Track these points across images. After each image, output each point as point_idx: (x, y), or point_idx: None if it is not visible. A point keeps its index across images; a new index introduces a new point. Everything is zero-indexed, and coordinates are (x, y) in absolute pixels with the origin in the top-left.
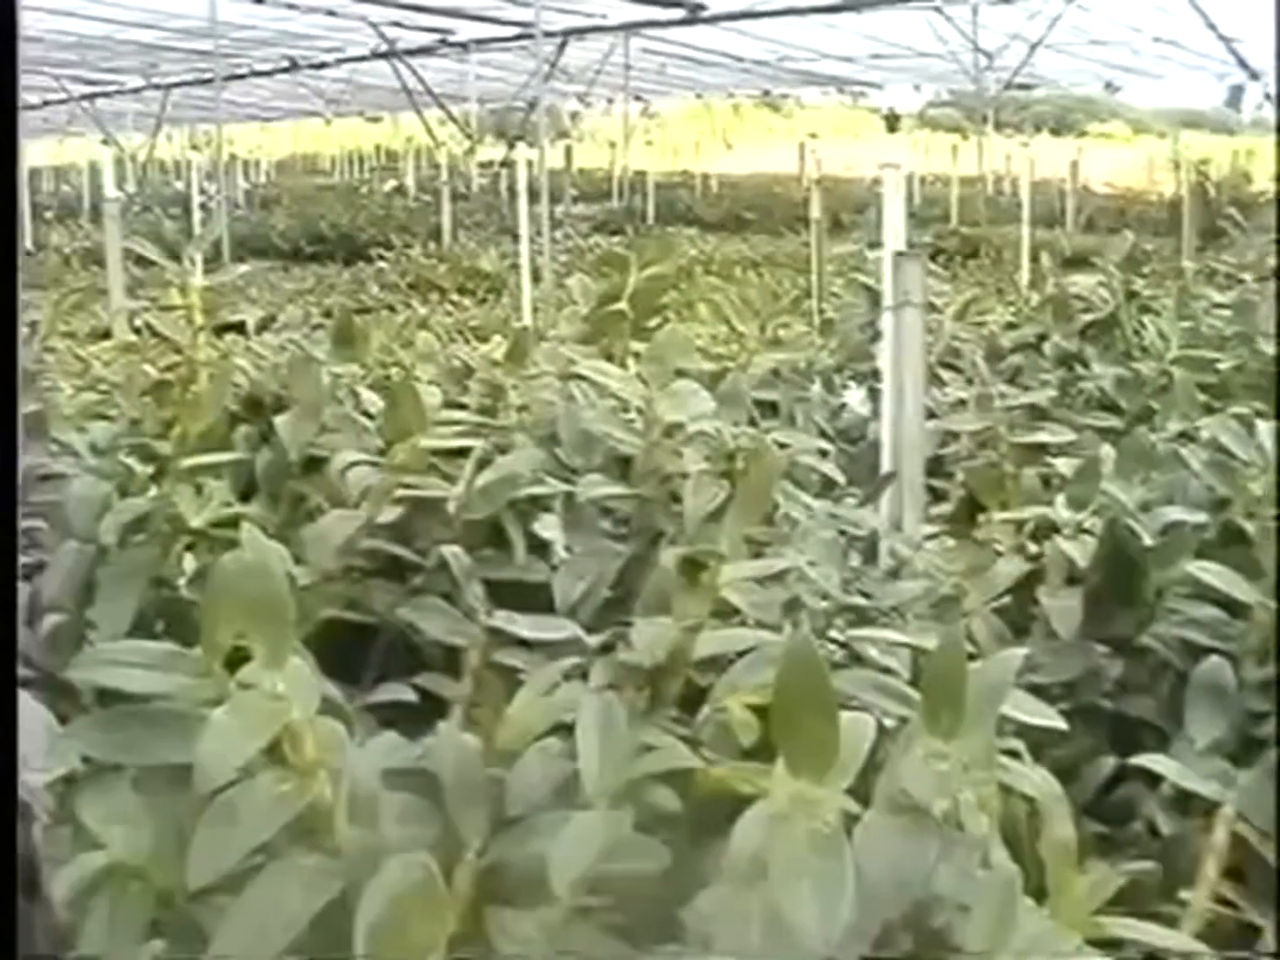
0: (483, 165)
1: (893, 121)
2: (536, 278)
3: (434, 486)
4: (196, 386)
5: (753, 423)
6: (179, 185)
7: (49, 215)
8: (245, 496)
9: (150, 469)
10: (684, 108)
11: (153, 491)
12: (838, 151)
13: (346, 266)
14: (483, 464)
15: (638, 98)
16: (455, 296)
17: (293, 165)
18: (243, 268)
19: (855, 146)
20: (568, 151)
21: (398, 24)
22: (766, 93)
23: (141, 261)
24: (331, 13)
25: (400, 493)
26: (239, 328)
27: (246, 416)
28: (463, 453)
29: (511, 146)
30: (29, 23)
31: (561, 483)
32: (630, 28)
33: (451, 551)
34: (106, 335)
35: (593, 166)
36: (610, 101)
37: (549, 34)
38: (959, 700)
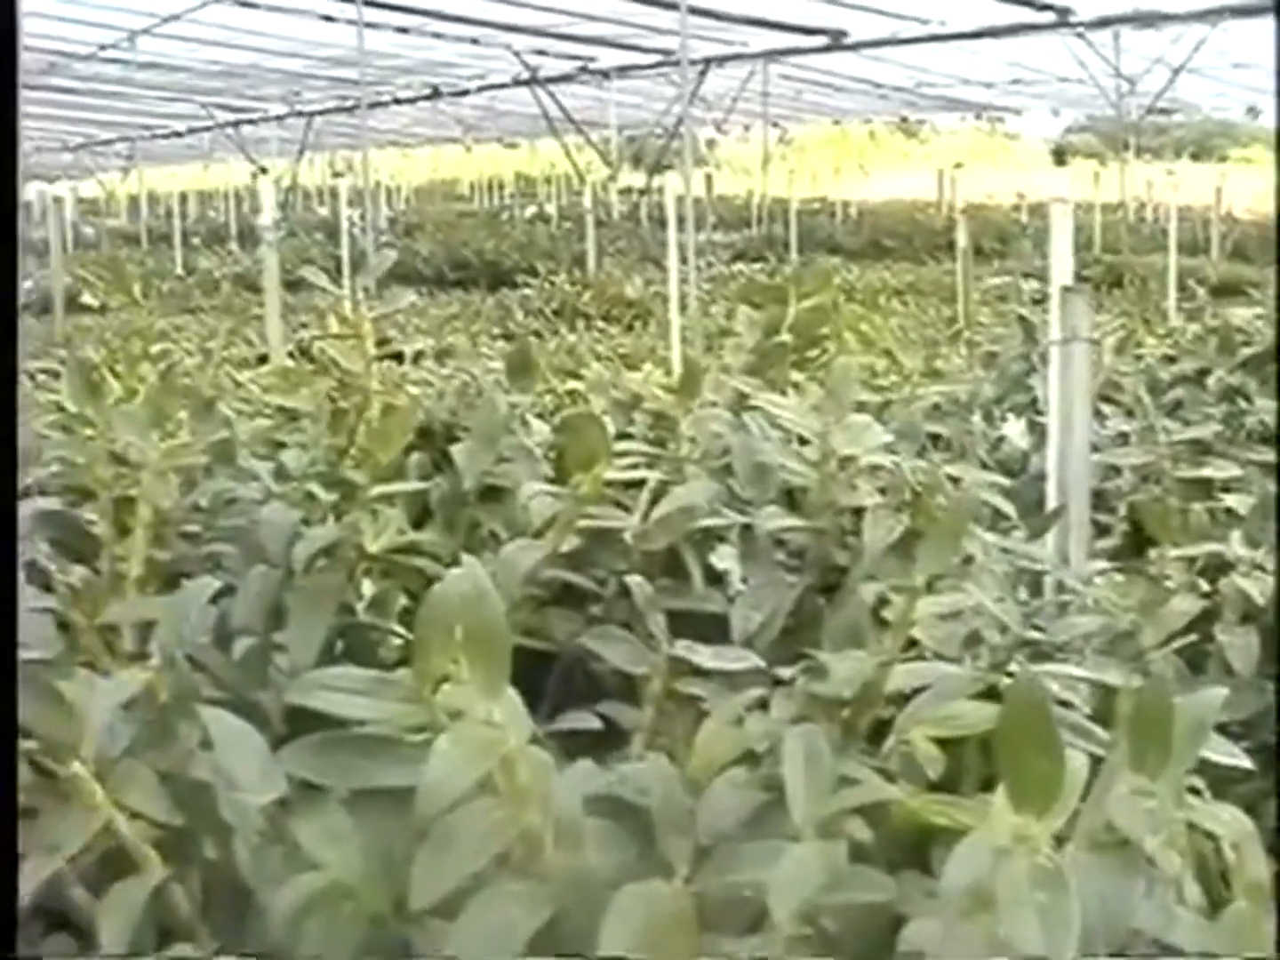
0: (623, 192)
1: (1061, 155)
2: (682, 306)
3: (610, 516)
4: (371, 414)
5: (920, 454)
6: (322, 211)
7: (195, 241)
8: (417, 524)
9: (334, 496)
10: (819, 134)
11: (330, 519)
12: (976, 178)
13: (491, 293)
14: (655, 494)
15: (774, 124)
16: (601, 324)
17: (432, 191)
18: (410, 296)
19: (994, 173)
20: (708, 179)
21: (541, 52)
22: (904, 119)
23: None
24: (475, 41)
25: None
26: (397, 355)
27: (417, 444)
28: (633, 483)
29: (653, 174)
30: (181, 54)
31: (736, 514)
32: (771, 55)
33: (635, 581)
34: (263, 360)
35: (730, 194)
36: (746, 128)
37: (690, 61)
38: (1165, 738)
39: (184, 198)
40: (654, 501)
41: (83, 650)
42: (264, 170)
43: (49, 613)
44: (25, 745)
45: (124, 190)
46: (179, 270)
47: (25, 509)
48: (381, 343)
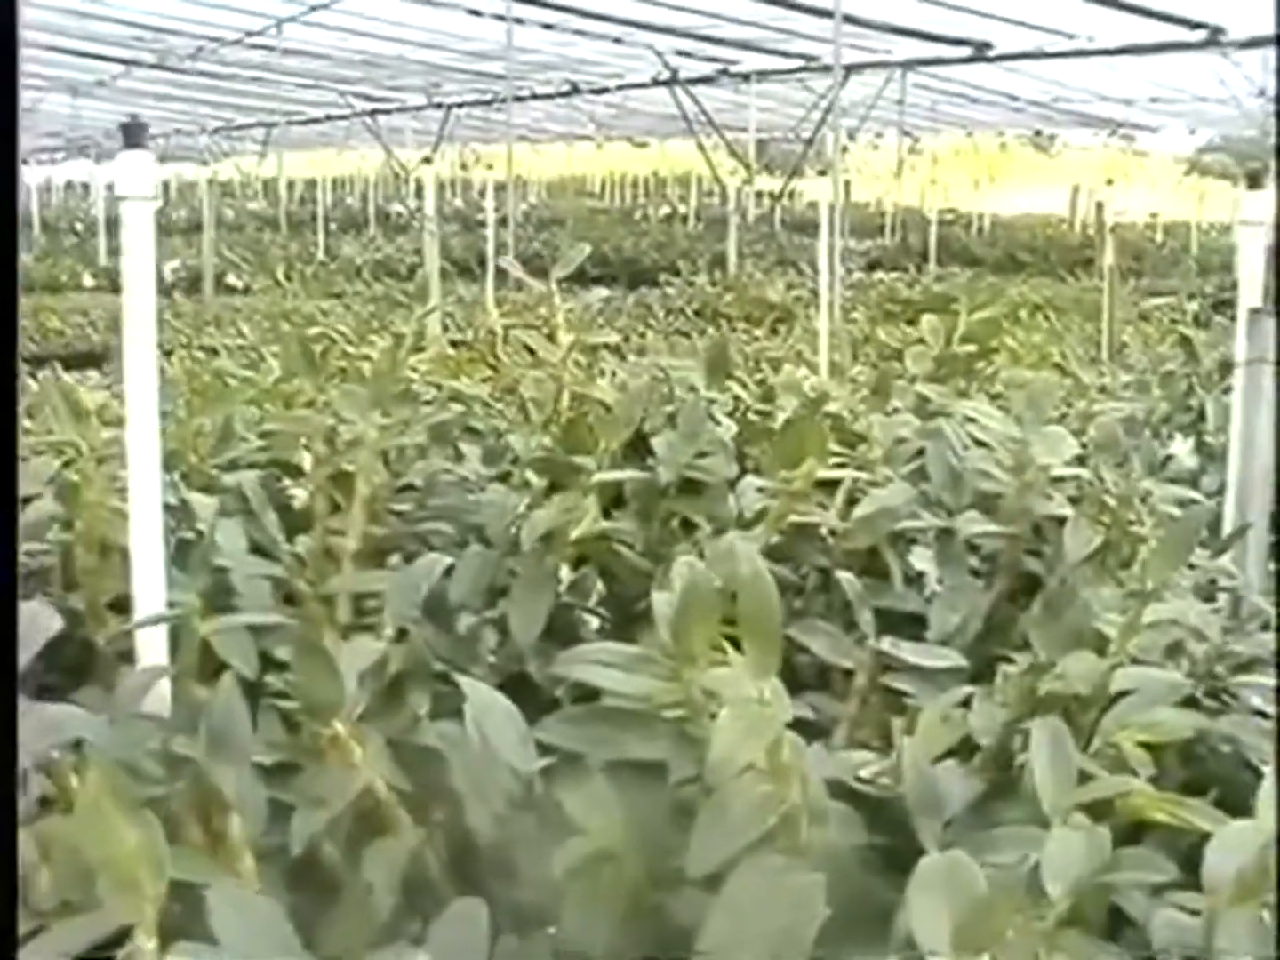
0: (760, 195)
1: (1256, 179)
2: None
3: (810, 513)
4: (563, 403)
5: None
6: (456, 202)
7: (333, 226)
8: (605, 512)
9: (545, 481)
10: (949, 144)
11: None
12: (1108, 194)
13: (630, 290)
14: (851, 496)
15: (906, 133)
16: (742, 325)
17: (562, 187)
18: (602, 291)
19: (1126, 190)
20: (846, 186)
21: (683, 53)
22: (1038, 132)
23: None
24: (618, 40)
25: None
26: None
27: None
28: (827, 484)
29: (790, 178)
30: (325, 42)
31: (933, 518)
32: (913, 64)
33: (846, 577)
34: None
35: (860, 201)
36: (879, 136)
37: (829, 68)
38: None
39: (319, 184)
40: (849, 501)
41: (308, 619)
42: (428, 160)
43: (271, 580)
44: (286, 705)
45: (258, 174)
46: (321, 255)
47: (230, 479)
48: (551, 336)
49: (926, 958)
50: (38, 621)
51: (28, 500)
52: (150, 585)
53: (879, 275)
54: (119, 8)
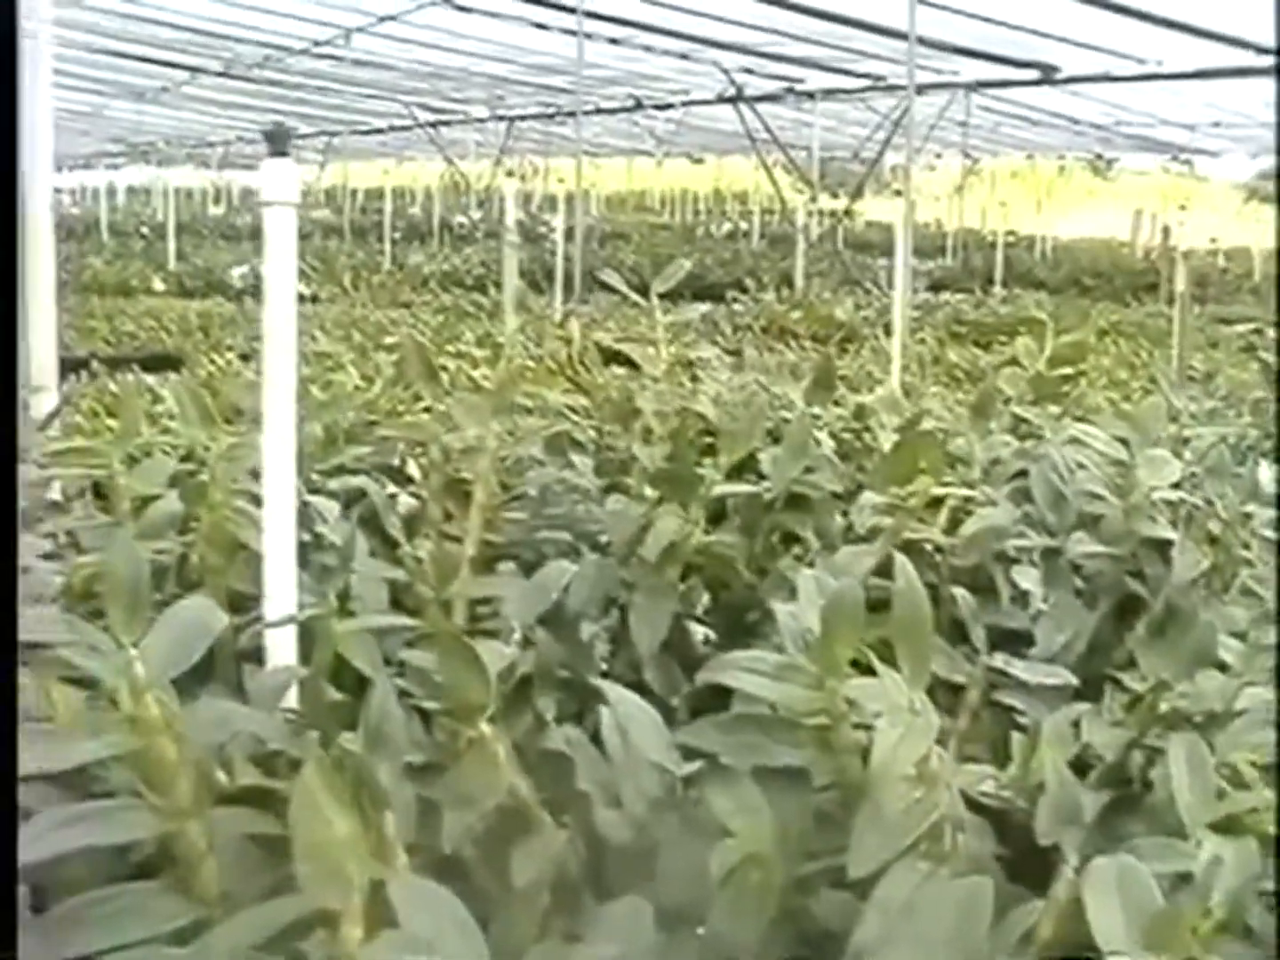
0: (823, 214)
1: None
2: (888, 331)
3: (917, 529)
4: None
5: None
6: (519, 215)
7: (396, 236)
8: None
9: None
10: (1008, 166)
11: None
12: (1168, 219)
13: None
14: (955, 514)
15: (966, 155)
16: (809, 343)
17: (622, 202)
18: (701, 306)
19: (1185, 214)
20: (910, 207)
21: (749, 71)
22: (1098, 156)
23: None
24: (684, 56)
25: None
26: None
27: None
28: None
29: (854, 198)
30: (391, 53)
31: (1039, 537)
32: (979, 86)
33: (959, 593)
34: (484, 360)
35: (920, 222)
36: (938, 156)
37: (894, 88)
38: None
39: (380, 193)
40: (953, 519)
41: (431, 623)
42: (510, 173)
43: (391, 583)
44: (431, 705)
45: (319, 183)
46: (387, 264)
47: (335, 484)
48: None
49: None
50: (204, 618)
51: (150, 500)
52: (282, 585)
53: (944, 296)
54: (186, 14)
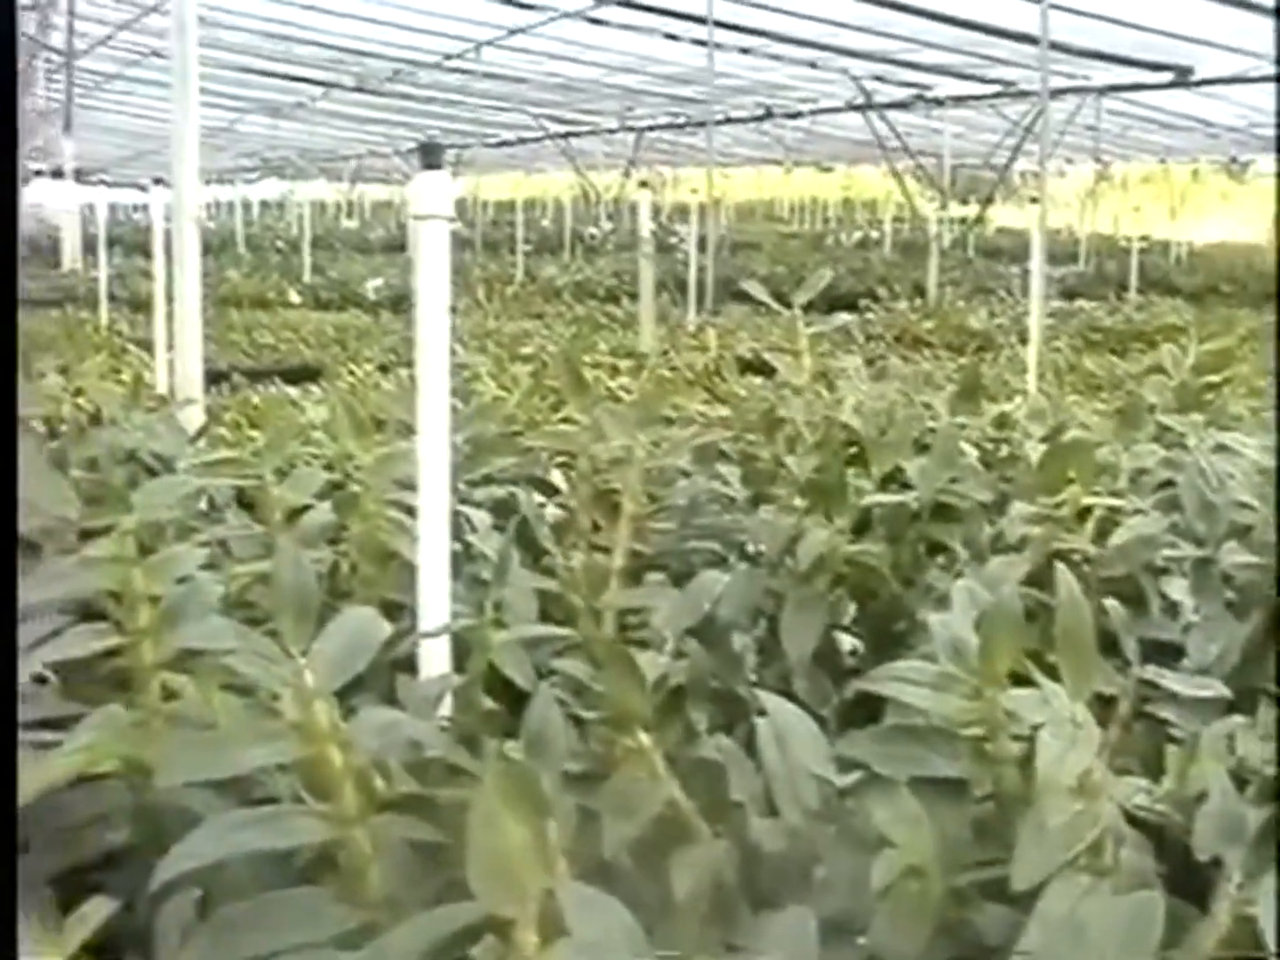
0: (954, 222)
1: None
2: (1022, 339)
3: (1063, 539)
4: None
5: None
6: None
7: (526, 248)
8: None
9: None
10: (1140, 171)
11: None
12: None
13: (827, 315)
14: (1102, 524)
15: (1097, 159)
16: (943, 352)
17: (750, 211)
18: (841, 316)
19: None
20: (1044, 213)
21: (878, 78)
22: (1233, 159)
23: (632, 298)
24: (814, 65)
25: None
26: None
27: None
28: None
29: (986, 205)
30: (522, 66)
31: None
32: (1111, 90)
33: (1112, 605)
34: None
35: (1052, 228)
36: (1069, 162)
37: (1025, 93)
38: None
39: (511, 205)
40: (1100, 529)
41: (582, 633)
42: (644, 184)
43: (543, 594)
44: (586, 714)
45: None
46: (520, 276)
47: (481, 494)
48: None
49: None
50: (369, 628)
51: (301, 510)
52: (436, 595)
53: (1078, 303)
54: (321, 31)
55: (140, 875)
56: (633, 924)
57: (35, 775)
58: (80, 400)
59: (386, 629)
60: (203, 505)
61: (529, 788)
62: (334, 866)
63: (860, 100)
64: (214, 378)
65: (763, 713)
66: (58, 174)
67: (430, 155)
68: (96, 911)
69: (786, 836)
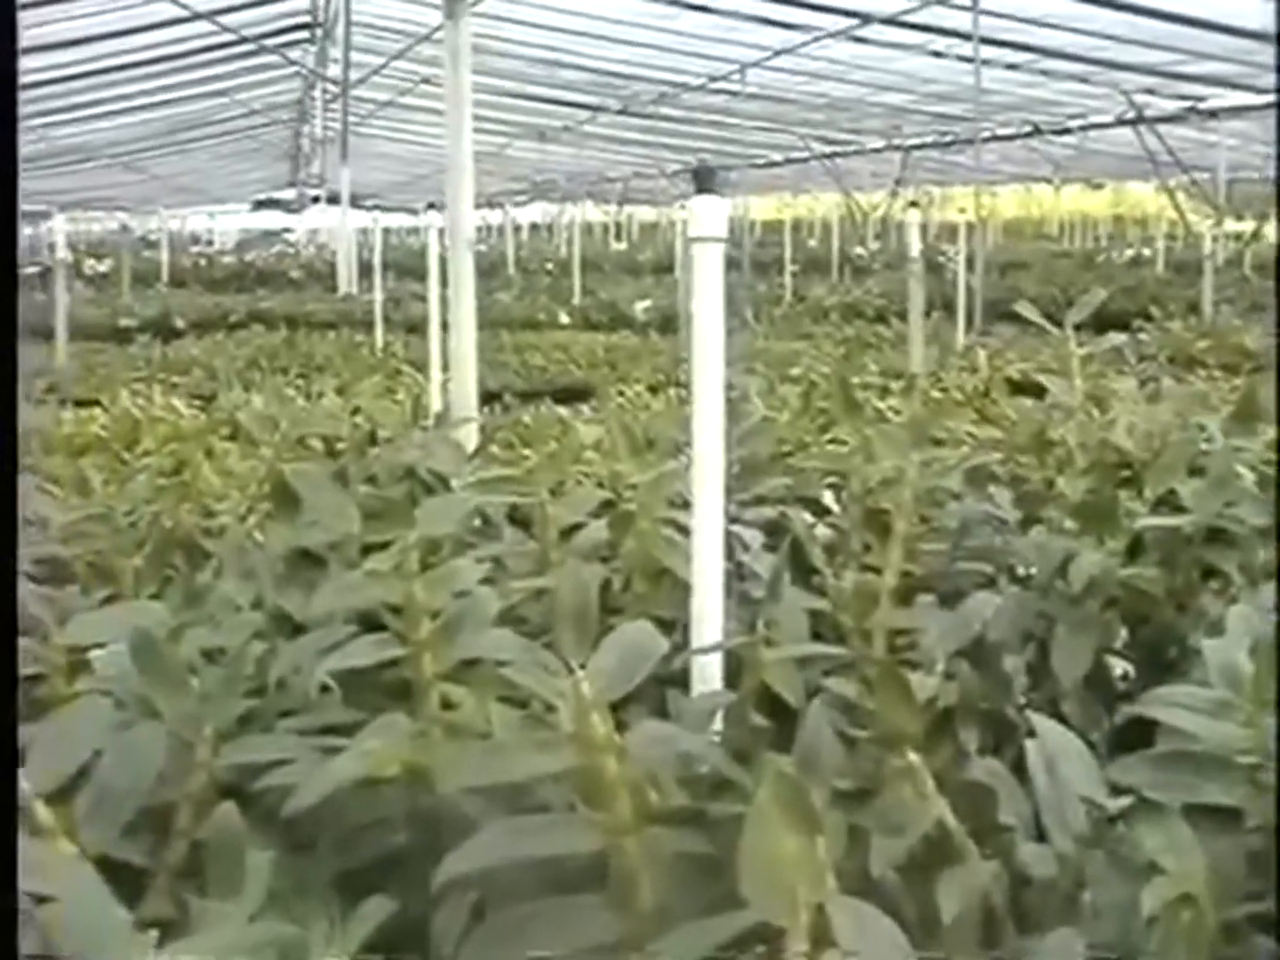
0: (1229, 238)
1: None
2: None
3: None
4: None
5: None
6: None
7: (796, 269)
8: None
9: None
10: None
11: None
12: None
13: (1098, 335)
14: None
15: None
16: (1218, 373)
17: (1019, 229)
18: (1113, 336)
19: None
20: None
21: (1149, 91)
22: None
23: (899, 317)
24: (1083, 79)
25: None
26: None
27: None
28: None
29: (1261, 220)
30: (787, 86)
31: None
32: None
33: None
34: (882, 390)
35: None
36: None
37: None
38: None
39: (778, 226)
40: None
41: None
42: (913, 203)
43: (813, 613)
44: (855, 733)
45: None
46: (788, 297)
47: (751, 514)
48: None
49: None
50: (647, 643)
51: (575, 528)
52: (709, 613)
53: None
54: (587, 57)
55: (417, 877)
56: (900, 939)
57: (320, 779)
58: (357, 419)
59: (663, 644)
60: (477, 522)
61: (801, 803)
62: (602, 874)
63: (1131, 114)
64: (486, 398)
65: (1033, 735)
66: (333, 199)
67: (704, 179)
68: (376, 911)
69: (1054, 861)
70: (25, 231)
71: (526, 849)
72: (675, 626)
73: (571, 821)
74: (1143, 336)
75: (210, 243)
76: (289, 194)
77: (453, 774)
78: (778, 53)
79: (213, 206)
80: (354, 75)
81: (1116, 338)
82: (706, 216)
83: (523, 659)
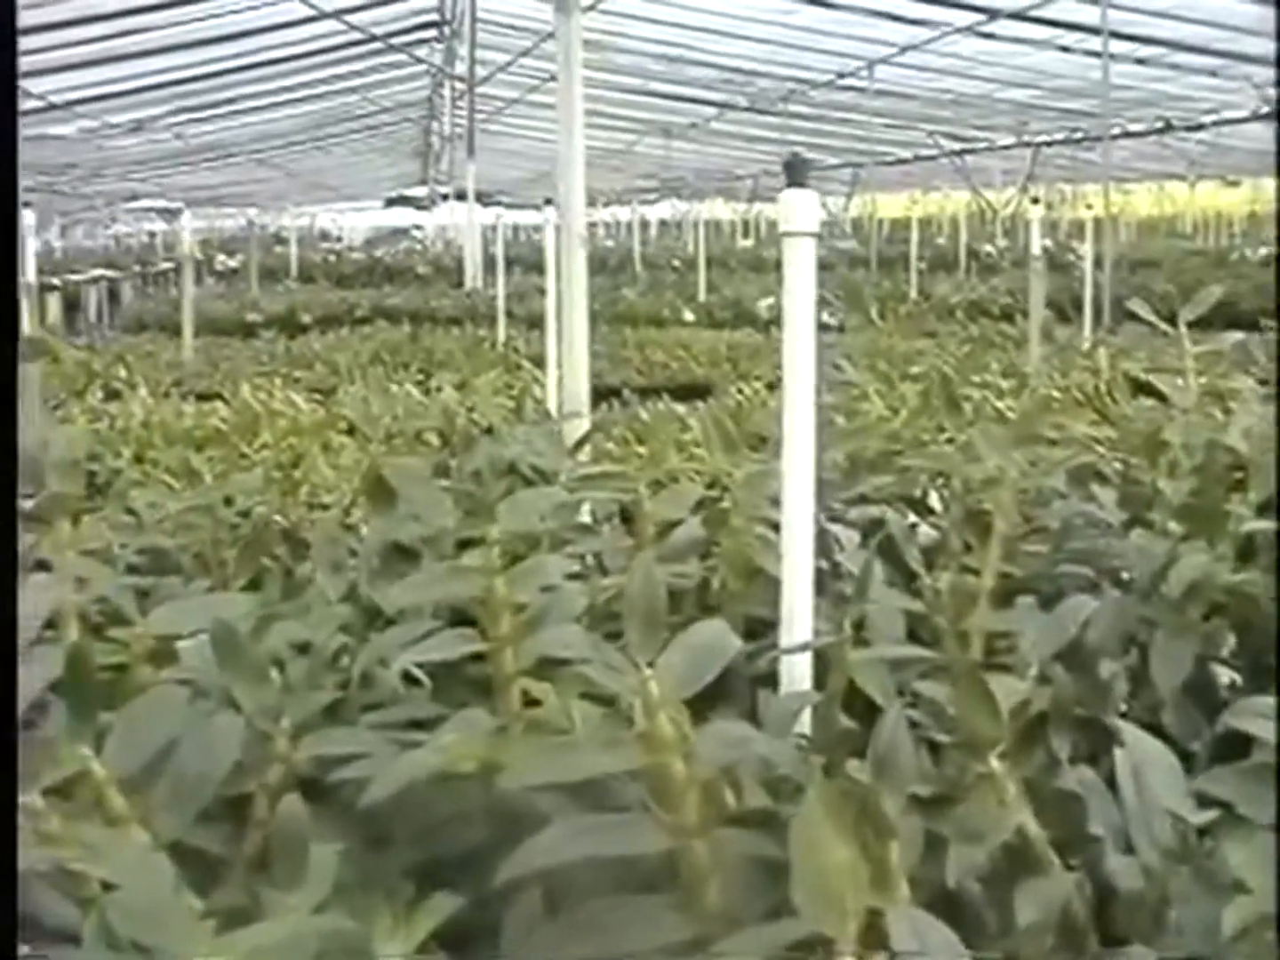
0: None
1: None
2: None
3: None
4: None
5: None
6: (1045, 243)
7: (921, 266)
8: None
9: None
10: None
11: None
12: None
13: (1225, 333)
14: None
15: None
16: None
17: (1152, 227)
18: (1233, 335)
19: None
20: None
21: None
22: None
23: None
24: (1214, 73)
25: None
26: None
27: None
28: None
29: None
30: (914, 83)
31: None
32: None
33: None
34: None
35: None
36: None
37: None
38: None
39: (908, 224)
40: None
41: (948, 655)
42: (1035, 200)
43: (908, 614)
44: (942, 738)
45: (846, 214)
46: (913, 294)
47: (855, 514)
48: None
49: None
50: (718, 641)
51: (673, 525)
52: (799, 612)
53: None
54: (714, 54)
55: (487, 874)
56: (962, 952)
57: (395, 773)
58: (473, 414)
59: (736, 643)
60: (585, 519)
61: (859, 807)
62: (673, 875)
63: (1266, 109)
64: (605, 394)
65: None
66: (461, 196)
67: (795, 172)
68: (443, 905)
69: (1139, 874)
70: (158, 227)
71: (592, 848)
72: (772, 626)
73: (640, 821)
74: (1272, 335)
75: (339, 239)
76: (420, 191)
77: (520, 771)
78: (904, 49)
79: (345, 203)
80: (481, 73)
81: (1238, 336)
82: (797, 210)
83: (593, 656)
